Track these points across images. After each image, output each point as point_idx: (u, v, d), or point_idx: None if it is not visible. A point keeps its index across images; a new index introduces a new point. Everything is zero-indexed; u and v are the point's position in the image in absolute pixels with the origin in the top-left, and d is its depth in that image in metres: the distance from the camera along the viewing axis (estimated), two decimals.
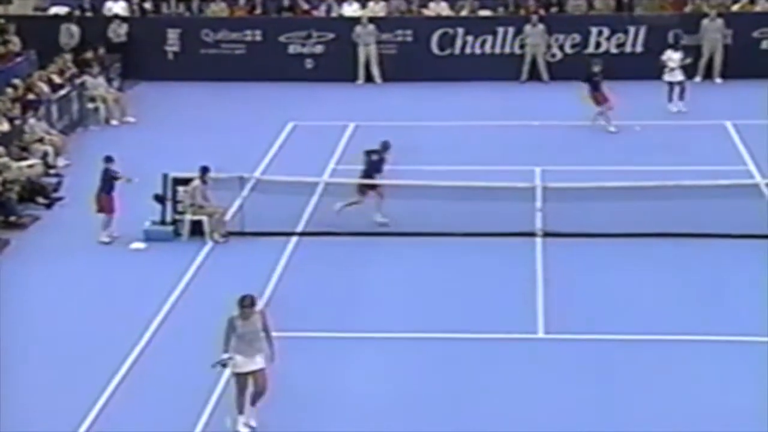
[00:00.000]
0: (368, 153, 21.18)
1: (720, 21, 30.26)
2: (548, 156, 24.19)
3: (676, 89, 27.28)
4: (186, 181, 20.64)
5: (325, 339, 16.74)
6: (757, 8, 31.72)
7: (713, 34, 30.16)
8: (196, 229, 20.44)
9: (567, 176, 21.82)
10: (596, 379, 15.49)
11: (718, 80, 30.09)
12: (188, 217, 20.49)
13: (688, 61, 27.70)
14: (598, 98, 26.11)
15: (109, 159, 20.76)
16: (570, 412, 14.69)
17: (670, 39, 29.92)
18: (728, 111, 27.02)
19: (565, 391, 15.19)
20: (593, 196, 20.43)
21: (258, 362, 14.16)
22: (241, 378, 14.25)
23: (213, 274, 19.12)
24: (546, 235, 20.08)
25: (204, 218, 20.45)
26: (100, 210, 20.48)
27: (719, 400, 14.85)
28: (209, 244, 20.22)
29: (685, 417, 14.49)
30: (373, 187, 20.79)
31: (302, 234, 20.58)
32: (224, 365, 14.21)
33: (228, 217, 20.75)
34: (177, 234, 20.54)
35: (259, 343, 14.16)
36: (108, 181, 20.52)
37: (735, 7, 31.62)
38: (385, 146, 21.23)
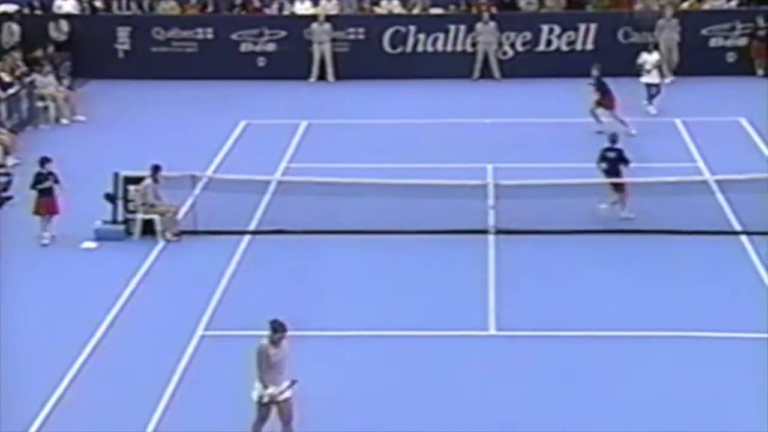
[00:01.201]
0: (605, 151, 20.94)
1: (675, 21, 30.48)
2: (500, 153, 24.29)
3: (653, 91, 27.31)
4: (137, 180, 20.53)
5: None
6: (706, 6, 32.01)
7: (669, 33, 30.35)
8: (148, 228, 20.35)
9: (519, 173, 21.87)
10: (547, 375, 15.57)
11: (668, 80, 30.14)
12: (140, 216, 20.39)
13: (663, 62, 27.86)
14: (607, 103, 25.70)
15: (46, 160, 20.54)
16: (521, 408, 14.75)
17: (620, 36, 30.25)
18: (677, 108, 27.23)
19: (516, 387, 15.25)
20: (545, 193, 20.55)
21: (284, 391, 13.42)
22: (264, 408, 13.48)
23: (165, 273, 19.04)
24: (498, 232, 20.16)
25: (156, 217, 20.35)
26: (44, 212, 20.30)
27: (671, 395, 14.96)
28: (161, 243, 20.13)
29: (637, 412, 14.59)
30: (619, 183, 20.64)
31: (255, 232, 20.54)
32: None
33: (180, 215, 20.66)
34: (128, 233, 20.43)
35: (287, 369, 13.57)
36: (47, 183, 20.32)
37: (684, 5, 31.87)
38: (614, 138, 21.15)
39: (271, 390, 13.36)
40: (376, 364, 15.96)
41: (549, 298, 17.86)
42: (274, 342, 13.41)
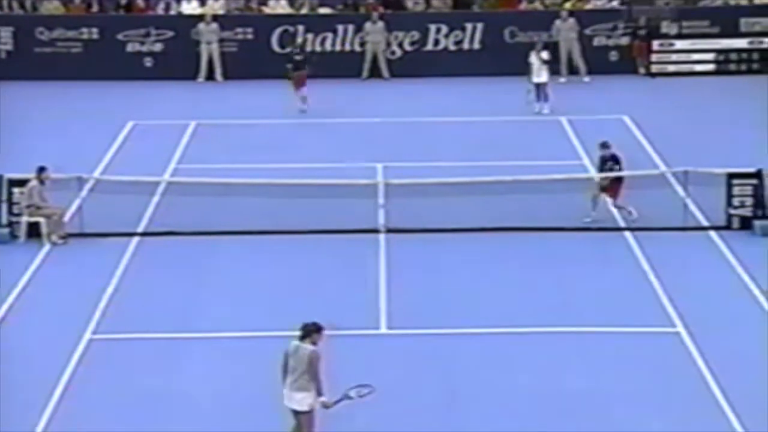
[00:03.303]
0: (602, 160, 20.88)
1: (572, 20, 30.89)
2: (390, 152, 24.42)
3: (542, 90, 27.55)
4: (22, 182, 20.23)
5: (166, 340, 16.59)
6: (588, 6, 32.51)
7: (568, 33, 30.73)
8: (34, 230, 20.04)
9: (409, 172, 22.04)
10: (438, 372, 15.69)
11: (586, 79, 30.56)
12: (25, 218, 20.08)
13: (550, 59, 28.11)
14: (297, 80, 27.34)
15: None
16: (412, 406, 14.85)
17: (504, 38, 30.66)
18: (563, 107, 27.62)
19: (408, 385, 15.35)
20: (435, 192, 20.72)
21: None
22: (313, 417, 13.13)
23: (51, 276, 18.78)
24: (389, 231, 20.27)
25: (41, 220, 20.06)
26: None
27: (560, 389, 15.18)
28: (47, 246, 19.84)
29: (527, 407, 14.79)
30: (612, 186, 20.68)
31: (144, 234, 20.36)
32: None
33: (66, 218, 20.39)
34: (13, 236, 20.12)
35: None
36: None
37: (567, 5, 32.35)
38: (607, 144, 20.99)
39: (325, 397, 13.07)
40: (267, 365, 15.89)
41: (439, 296, 18.00)
42: (316, 344, 13.11)
